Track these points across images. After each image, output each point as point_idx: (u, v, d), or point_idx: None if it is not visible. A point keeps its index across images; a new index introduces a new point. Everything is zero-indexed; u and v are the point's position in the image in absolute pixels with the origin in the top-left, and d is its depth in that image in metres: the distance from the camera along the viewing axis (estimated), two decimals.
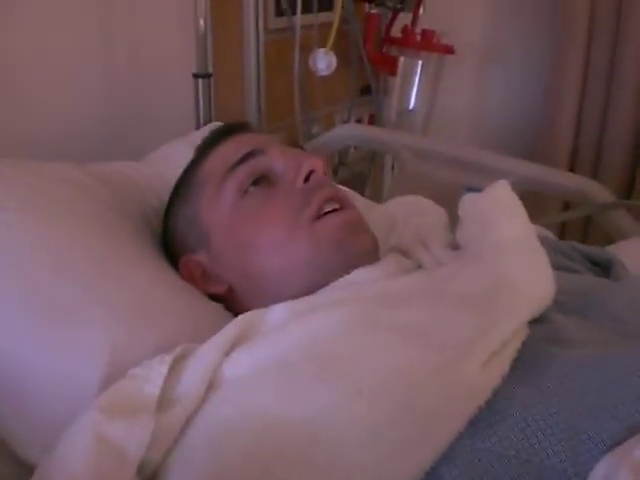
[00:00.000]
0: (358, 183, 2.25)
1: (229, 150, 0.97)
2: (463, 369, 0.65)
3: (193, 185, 0.99)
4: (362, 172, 2.33)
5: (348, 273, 0.86)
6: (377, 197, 2.35)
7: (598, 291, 0.83)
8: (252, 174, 0.92)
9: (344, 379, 0.67)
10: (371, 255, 0.92)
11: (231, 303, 0.95)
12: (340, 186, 1.06)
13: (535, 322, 0.72)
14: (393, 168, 2.37)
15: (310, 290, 0.85)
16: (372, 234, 0.95)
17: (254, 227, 0.90)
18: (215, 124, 1.56)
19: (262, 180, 0.93)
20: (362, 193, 2.26)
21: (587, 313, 0.78)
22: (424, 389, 0.65)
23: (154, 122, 1.60)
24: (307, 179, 0.92)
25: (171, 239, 1.02)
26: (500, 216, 0.85)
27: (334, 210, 0.90)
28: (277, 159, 0.95)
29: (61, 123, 1.43)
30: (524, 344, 0.68)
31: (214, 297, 0.96)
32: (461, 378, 0.65)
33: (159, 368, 0.73)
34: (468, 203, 0.93)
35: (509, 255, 0.79)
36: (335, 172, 2.15)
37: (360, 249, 0.90)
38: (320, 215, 0.89)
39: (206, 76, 1.59)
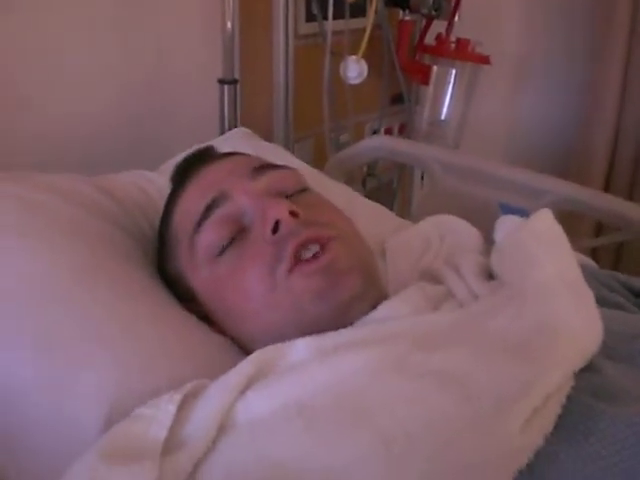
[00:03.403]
0: (386, 194, 2.20)
1: (192, 200, 0.91)
2: (503, 426, 0.59)
3: (168, 244, 0.94)
4: (391, 182, 2.27)
5: (343, 320, 0.79)
6: (406, 208, 2.30)
7: None
8: (219, 231, 0.85)
9: (371, 430, 0.61)
10: (364, 296, 0.83)
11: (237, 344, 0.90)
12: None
13: (581, 371, 0.65)
14: (422, 179, 2.32)
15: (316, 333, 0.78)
16: (364, 269, 0.85)
17: (234, 292, 0.84)
18: (241, 129, 1.52)
19: (235, 234, 0.85)
20: (391, 204, 2.23)
21: (638, 361, 0.71)
22: (459, 445, 0.59)
23: (178, 127, 1.56)
24: (276, 228, 0.82)
25: (167, 283, 0.97)
26: (543, 253, 0.78)
27: (313, 257, 0.81)
28: (243, 203, 0.87)
29: (83, 129, 1.40)
30: (569, 398, 0.62)
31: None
32: (501, 435, 0.59)
33: (167, 407, 0.68)
34: (507, 230, 0.87)
35: (553, 297, 0.71)
36: (364, 183, 2.09)
37: (345, 296, 0.80)
38: (296, 265, 0.80)
39: (232, 82, 1.54)
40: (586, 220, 2.08)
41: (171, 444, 0.65)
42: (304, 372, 0.69)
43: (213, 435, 0.65)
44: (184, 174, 0.97)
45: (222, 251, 0.85)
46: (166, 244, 0.95)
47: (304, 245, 0.81)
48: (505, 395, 0.61)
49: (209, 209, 0.87)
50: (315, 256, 0.81)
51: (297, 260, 0.80)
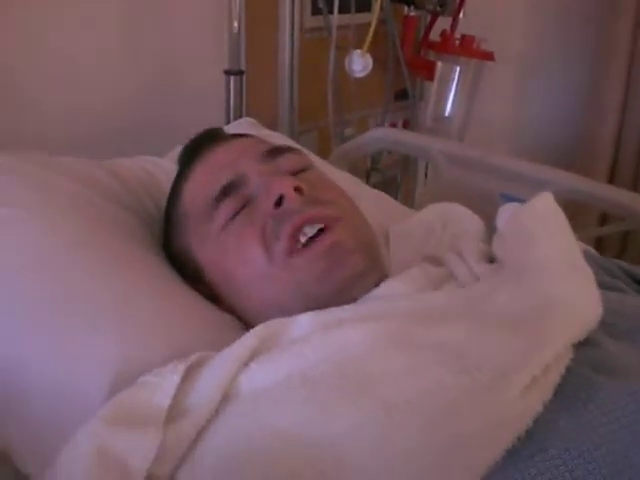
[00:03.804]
0: (390, 187, 2.20)
1: (204, 179, 0.92)
2: (501, 393, 0.59)
3: (178, 218, 0.95)
4: (394, 177, 2.28)
5: (349, 297, 0.81)
6: (409, 202, 2.30)
7: None
8: (236, 211, 0.87)
9: (372, 398, 0.62)
10: (367, 274, 0.84)
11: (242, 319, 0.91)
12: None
13: (581, 345, 0.65)
14: (426, 174, 2.32)
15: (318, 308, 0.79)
16: (366, 248, 0.86)
17: (235, 262, 0.86)
18: (246, 119, 1.53)
19: (243, 206, 0.87)
20: (394, 198, 2.23)
21: (636, 338, 0.71)
22: (457, 413, 0.59)
23: (186, 118, 1.56)
24: (279, 202, 0.84)
25: (173, 261, 0.98)
26: (544, 232, 0.79)
27: (317, 235, 0.82)
28: (258, 184, 0.88)
29: (91, 120, 1.42)
30: (568, 369, 0.62)
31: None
32: (498, 403, 0.59)
33: (171, 376, 0.69)
34: (508, 214, 0.88)
35: (553, 274, 0.72)
36: (367, 177, 2.10)
37: (348, 274, 0.82)
38: (297, 248, 0.82)
39: (238, 73, 1.55)
40: (591, 211, 2.08)
41: (175, 412, 0.66)
42: (307, 345, 0.70)
43: (216, 404, 0.66)
44: (193, 154, 0.98)
45: (229, 221, 0.86)
46: (173, 221, 0.96)
47: (306, 222, 0.82)
48: (504, 365, 0.61)
49: (227, 190, 0.88)
50: (317, 236, 0.82)
51: (296, 240, 0.81)
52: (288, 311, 0.79)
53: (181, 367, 0.70)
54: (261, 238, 0.83)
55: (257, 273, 0.84)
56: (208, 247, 0.89)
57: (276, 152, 0.93)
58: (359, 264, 0.83)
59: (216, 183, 0.89)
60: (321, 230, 0.82)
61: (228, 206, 0.87)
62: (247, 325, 0.88)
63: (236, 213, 0.86)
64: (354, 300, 0.81)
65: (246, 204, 0.87)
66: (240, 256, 0.85)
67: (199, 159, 0.95)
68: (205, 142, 0.99)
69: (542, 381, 0.60)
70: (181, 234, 0.94)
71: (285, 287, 0.82)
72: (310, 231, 0.82)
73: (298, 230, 0.81)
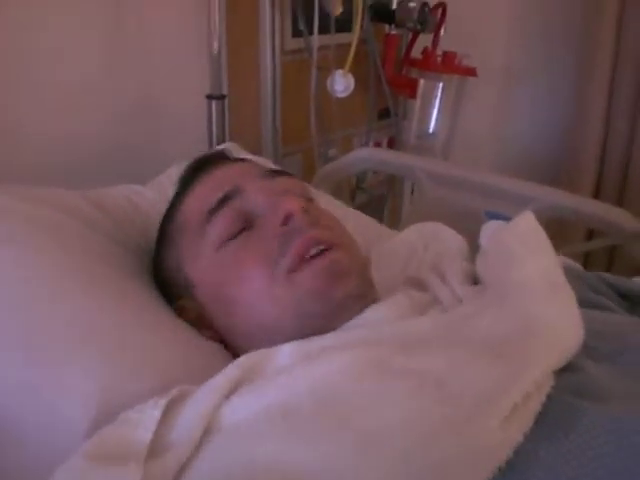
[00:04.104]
0: (376, 207, 2.20)
1: (204, 192, 0.93)
2: (481, 423, 0.59)
3: (172, 233, 0.95)
4: (380, 196, 2.27)
5: (338, 320, 0.81)
6: (395, 222, 2.30)
7: (631, 333, 0.76)
8: (230, 224, 0.87)
9: (349, 429, 0.61)
10: (360, 298, 0.85)
11: (228, 347, 0.91)
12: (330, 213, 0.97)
13: (562, 371, 0.65)
14: (412, 193, 2.33)
15: (303, 335, 0.80)
16: (361, 274, 0.88)
17: (233, 281, 0.86)
18: (229, 145, 1.52)
19: (244, 227, 0.88)
20: (380, 217, 2.23)
21: (619, 360, 0.71)
22: (437, 443, 0.58)
23: (167, 143, 1.56)
24: (286, 221, 0.85)
25: (162, 281, 0.98)
26: (525, 253, 0.79)
27: (318, 254, 0.83)
28: (256, 198, 0.89)
29: (72, 146, 1.41)
30: (549, 397, 0.62)
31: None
32: (478, 433, 0.58)
33: (152, 412, 0.68)
34: (490, 233, 0.88)
35: (534, 297, 0.72)
36: (353, 196, 2.10)
37: (342, 295, 0.82)
38: (299, 264, 0.82)
39: (220, 97, 1.55)
40: (578, 225, 2.08)
41: (157, 448, 0.65)
42: (289, 376, 0.70)
43: (198, 438, 0.65)
44: (194, 173, 0.99)
45: (228, 241, 0.87)
46: (167, 236, 0.97)
47: (307, 247, 0.83)
48: (483, 395, 0.61)
49: (222, 202, 0.89)
50: (318, 255, 0.83)
51: (301, 259, 0.82)
52: (280, 333, 0.80)
53: (162, 402, 0.69)
54: (265, 256, 0.84)
55: (257, 291, 0.83)
56: (202, 263, 0.89)
57: (279, 173, 0.96)
58: (352, 287, 0.84)
59: (213, 197, 0.90)
60: (322, 251, 0.83)
61: (224, 217, 0.88)
62: (232, 352, 0.88)
63: (235, 231, 0.87)
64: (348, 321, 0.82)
65: (246, 225, 0.88)
66: (240, 276, 0.85)
67: (199, 178, 0.97)
68: (208, 162, 1.00)
69: (522, 410, 0.60)
70: (174, 249, 0.94)
71: (285, 306, 0.82)
72: (314, 251, 0.83)
73: (306, 249, 0.83)
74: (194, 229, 0.91)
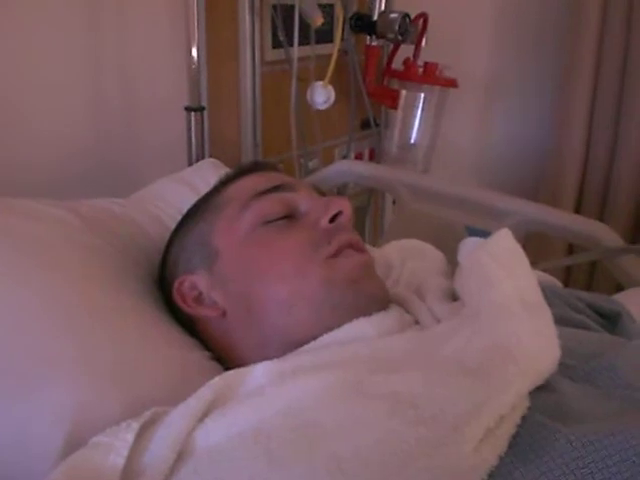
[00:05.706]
0: (358, 218, 2.19)
1: (259, 180, 0.96)
2: (456, 447, 0.58)
3: (213, 205, 0.96)
4: (362, 207, 2.27)
5: (353, 317, 0.83)
6: (377, 233, 2.30)
7: (609, 352, 0.76)
8: (277, 209, 0.91)
9: (323, 452, 0.61)
10: (380, 302, 0.88)
11: (219, 334, 0.90)
12: None
13: (538, 390, 0.65)
14: (394, 203, 2.32)
15: (308, 330, 0.81)
16: (384, 283, 0.95)
17: (266, 255, 0.87)
18: (209, 160, 1.51)
19: (287, 215, 0.92)
20: (362, 228, 2.22)
21: (596, 379, 0.71)
22: (408, 464, 0.58)
23: (146, 155, 1.55)
24: (333, 220, 0.90)
25: (172, 260, 0.97)
26: (500, 271, 0.78)
27: (357, 252, 0.90)
28: (305, 198, 0.94)
29: (50, 160, 1.40)
30: (524, 418, 0.61)
31: (202, 331, 0.92)
32: (452, 457, 0.58)
33: (124, 436, 0.67)
34: (467, 251, 0.87)
35: (509, 317, 0.72)
36: None
37: (373, 292, 0.89)
38: (341, 253, 0.88)
39: (199, 109, 1.54)
40: (559, 241, 2.08)
41: (130, 473, 0.65)
42: (261, 398, 0.69)
43: (172, 463, 0.65)
44: (249, 168, 1.02)
45: (268, 223, 0.90)
46: (209, 205, 0.98)
47: (349, 244, 0.90)
48: (458, 417, 0.60)
49: (276, 188, 0.94)
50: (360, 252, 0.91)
51: (342, 250, 0.88)
52: (286, 318, 0.84)
53: (135, 425, 0.68)
54: (309, 240, 0.88)
55: (289, 268, 0.86)
56: (237, 234, 0.90)
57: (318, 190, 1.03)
58: (381, 289, 0.92)
59: (267, 183, 0.95)
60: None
61: (273, 199, 0.92)
62: (218, 355, 0.91)
63: (278, 215, 0.91)
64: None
65: (290, 215, 0.92)
66: (277, 250, 0.88)
67: (250, 174, 1.00)
68: (260, 166, 1.04)
69: (497, 432, 0.59)
70: (203, 224, 0.95)
71: (314, 282, 0.85)
72: (355, 249, 0.91)
73: (351, 244, 0.90)
74: (239, 204, 0.92)
